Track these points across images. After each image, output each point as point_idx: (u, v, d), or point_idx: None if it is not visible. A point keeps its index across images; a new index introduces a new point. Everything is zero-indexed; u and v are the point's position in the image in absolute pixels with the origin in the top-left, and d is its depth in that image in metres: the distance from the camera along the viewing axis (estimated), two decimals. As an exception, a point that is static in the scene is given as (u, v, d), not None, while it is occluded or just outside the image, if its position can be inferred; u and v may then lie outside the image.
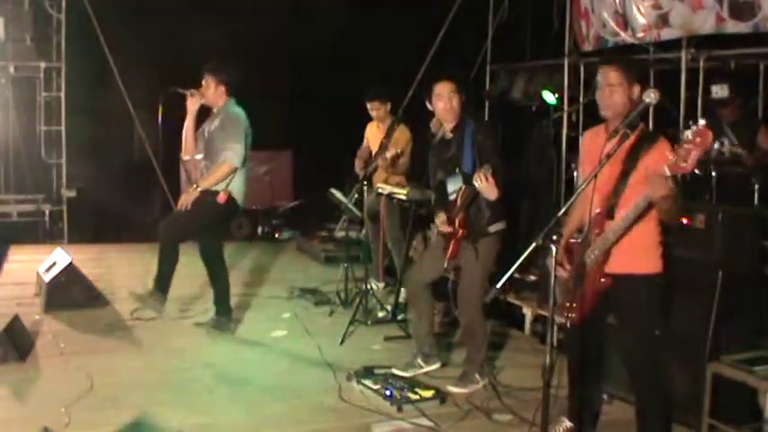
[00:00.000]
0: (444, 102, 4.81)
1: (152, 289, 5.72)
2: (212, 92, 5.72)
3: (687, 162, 3.23)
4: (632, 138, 3.62)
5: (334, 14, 9.89)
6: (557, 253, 3.40)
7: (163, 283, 5.69)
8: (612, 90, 3.69)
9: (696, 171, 3.46)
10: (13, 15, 8.99)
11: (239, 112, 5.74)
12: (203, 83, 5.75)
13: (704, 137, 3.20)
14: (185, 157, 5.83)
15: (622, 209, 3.61)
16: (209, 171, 5.66)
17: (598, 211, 3.70)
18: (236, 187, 5.71)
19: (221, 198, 5.60)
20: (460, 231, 4.82)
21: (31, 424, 4.08)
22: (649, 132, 3.73)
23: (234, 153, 5.56)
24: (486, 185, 4.55)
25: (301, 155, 10.29)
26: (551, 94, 7.82)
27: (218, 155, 5.61)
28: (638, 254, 3.68)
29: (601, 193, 3.70)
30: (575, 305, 3.78)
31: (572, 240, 3.86)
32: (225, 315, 5.91)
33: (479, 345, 5.00)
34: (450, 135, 4.91)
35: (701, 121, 3.26)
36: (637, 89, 3.68)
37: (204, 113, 5.88)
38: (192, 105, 5.72)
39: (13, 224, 9.07)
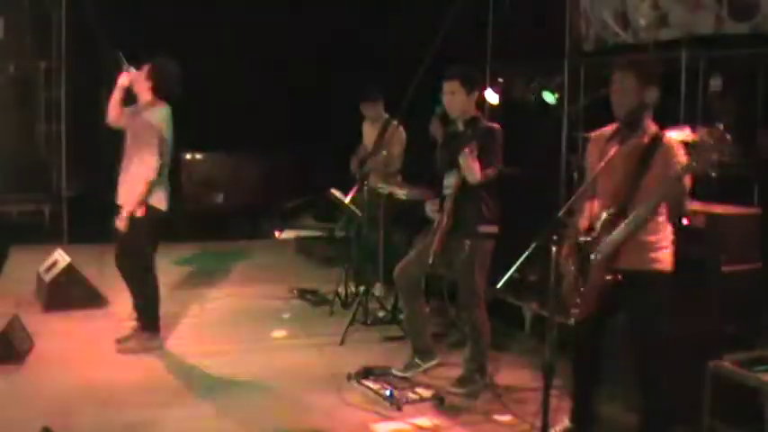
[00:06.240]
0: (447, 97, 4.99)
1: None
2: (141, 80, 5.49)
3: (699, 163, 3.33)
4: (644, 140, 3.66)
5: (333, 14, 9.90)
6: (557, 253, 3.41)
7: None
8: (623, 93, 3.71)
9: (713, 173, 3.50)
10: (13, 15, 8.99)
11: (156, 119, 5.41)
12: (144, 67, 5.53)
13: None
14: (109, 121, 5.57)
15: (635, 209, 3.65)
16: (128, 176, 5.42)
17: (612, 211, 3.72)
18: (153, 196, 5.43)
19: (140, 212, 5.37)
20: (445, 220, 4.87)
21: (31, 424, 4.08)
22: (660, 135, 3.73)
23: (148, 167, 5.32)
24: (468, 160, 4.63)
25: (301, 154, 10.29)
26: (551, 95, 7.82)
27: (133, 162, 5.39)
28: (648, 251, 3.69)
29: (613, 193, 3.72)
30: (579, 302, 3.80)
31: (582, 239, 3.88)
32: (148, 330, 5.58)
33: (482, 346, 5.01)
34: (461, 129, 4.99)
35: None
36: (650, 91, 3.69)
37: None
38: (122, 81, 5.49)
39: (13, 224, 9.07)
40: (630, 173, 3.69)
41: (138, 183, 5.35)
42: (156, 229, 5.53)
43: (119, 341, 5.56)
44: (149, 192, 5.38)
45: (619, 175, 3.73)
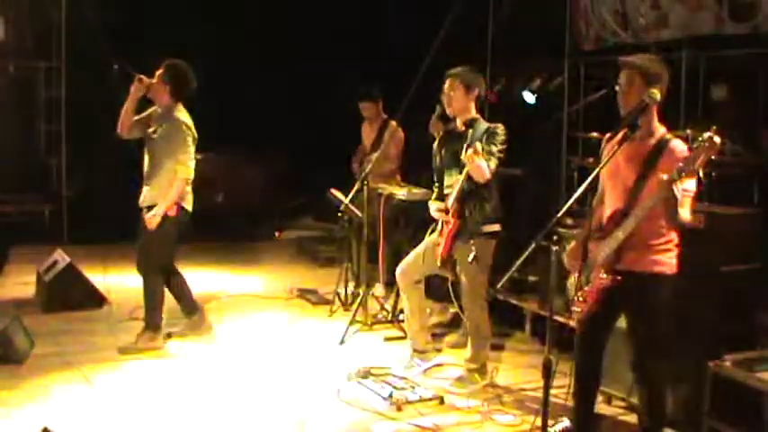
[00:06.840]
0: (446, 97, 5.04)
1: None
2: (157, 86, 5.49)
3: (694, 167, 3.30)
4: (650, 142, 3.66)
5: (334, 13, 9.90)
6: (558, 253, 3.41)
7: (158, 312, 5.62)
8: (630, 92, 3.71)
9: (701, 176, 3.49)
10: (13, 15, 8.99)
11: (185, 119, 5.49)
12: (157, 73, 5.54)
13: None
14: (120, 132, 5.56)
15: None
16: (156, 179, 5.46)
17: (613, 210, 3.73)
18: (185, 197, 5.52)
19: (172, 211, 5.42)
20: (452, 221, 4.89)
21: (31, 424, 4.09)
22: (666, 138, 3.73)
23: (185, 166, 5.39)
24: (475, 160, 4.63)
25: (301, 154, 10.29)
26: (531, 95, 7.91)
27: (163, 166, 5.42)
28: (649, 253, 3.69)
29: (619, 194, 3.73)
30: (581, 302, 3.81)
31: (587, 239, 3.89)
32: (150, 329, 5.57)
33: (482, 345, 5.02)
34: (461, 128, 4.99)
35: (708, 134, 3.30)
36: (650, 90, 3.68)
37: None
38: (136, 91, 5.47)
39: (13, 224, 9.07)
40: (635, 175, 3.69)
41: (171, 183, 5.37)
42: (180, 230, 5.57)
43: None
44: (185, 192, 5.44)
45: (624, 176, 3.73)
